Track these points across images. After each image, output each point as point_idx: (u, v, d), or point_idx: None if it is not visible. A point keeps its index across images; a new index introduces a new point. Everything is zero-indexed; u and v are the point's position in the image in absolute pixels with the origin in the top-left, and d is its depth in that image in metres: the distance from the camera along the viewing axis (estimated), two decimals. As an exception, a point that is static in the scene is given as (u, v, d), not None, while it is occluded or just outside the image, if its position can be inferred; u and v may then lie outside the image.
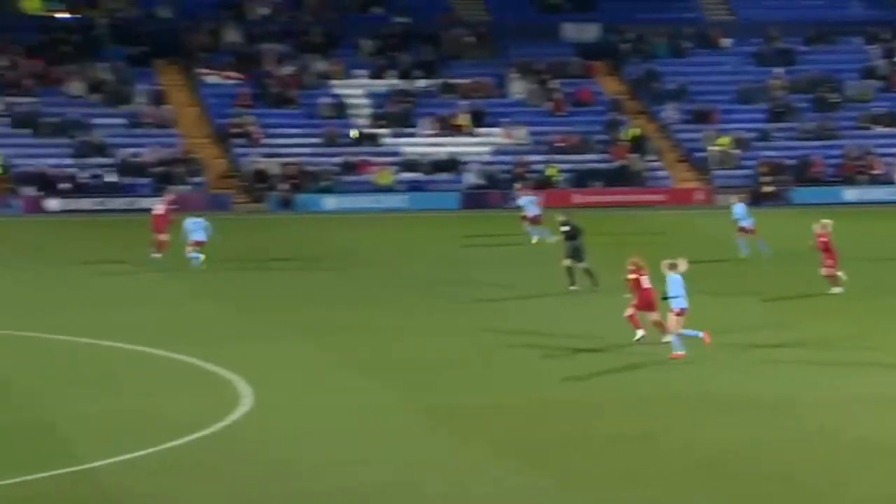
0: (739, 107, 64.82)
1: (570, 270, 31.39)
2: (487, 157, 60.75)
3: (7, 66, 59.75)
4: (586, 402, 20.84)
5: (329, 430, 19.14)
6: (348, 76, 63.50)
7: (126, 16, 64.51)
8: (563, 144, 61.47)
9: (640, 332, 24.58)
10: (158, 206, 38.83)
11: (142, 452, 17.61)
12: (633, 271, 24.59)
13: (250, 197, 56.69)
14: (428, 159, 59.63)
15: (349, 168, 58.43)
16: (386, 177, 58.16)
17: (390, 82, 63.41)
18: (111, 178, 55.69)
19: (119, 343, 25.09)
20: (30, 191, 54.49)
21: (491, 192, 57.70)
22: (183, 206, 51.96)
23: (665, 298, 23.64)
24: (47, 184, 54.72)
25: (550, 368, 23.23)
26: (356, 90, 63.07)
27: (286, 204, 55.94)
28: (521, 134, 61.89)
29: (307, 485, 16.42)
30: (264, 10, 66.07)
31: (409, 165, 59.29)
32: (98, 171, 55.87)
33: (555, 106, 63.71)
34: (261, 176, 57.25)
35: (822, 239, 31.60)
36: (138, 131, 58.83)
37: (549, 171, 59.59)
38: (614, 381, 22.37)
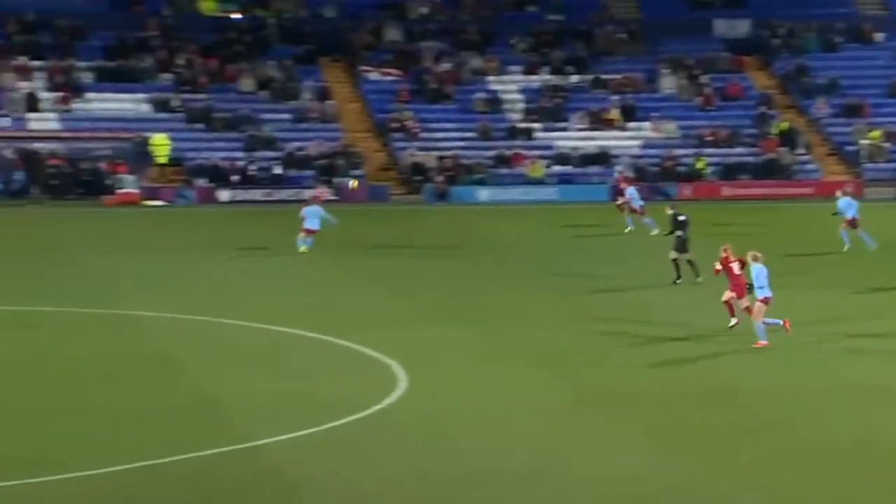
0: (891, 101, 63.08)
1: (676, 263, 31.08)
2: (637, 151, 60.35)
3: (183, 64, 61.42)
4: (721, 391, 20.66)
5: (481, 414, 19.27)
6: (503, 72, 63.70)
7: (294, 16, 65.73)
8: (711, 138, 60.73)
9: (734, 320, 24.64)
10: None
11: (304, 432, 17.99)
12: (724, 259, 24.57)
13: (407, 189, 57.34)
14: (579, 153, 59.50)
15: (502, 161, 58.65)
16: (538, 170, 58.21)
17: (543, 78, 63.41)
18: (277, 170, 56.88)
19: (283, 327, 25.68)
20: (203, 182, 55.98)
21: (640, 185, 57.23)
22: (344, 198, 52.99)
23: (750, 286, 23.70)
24: (219, 175, 56.14)
25: (684, 358, 23.08)
26: (510, 86, 63.24)
27: (441, 196, 56.39)
28: (671, 128, 61.33)
29: (459, 467, 16.60)
30: (423, 10, 66.64)
31: (561, 159, 59.24)
32: (266, 164, 57.12)
33: (704, 100, 62.93)
34: (418, 168, 57.83)
35: None
36: (303, 126, 59.96)
37: (698, 164, 59.04)
38: (744, 371, 22.17)
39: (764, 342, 23.49)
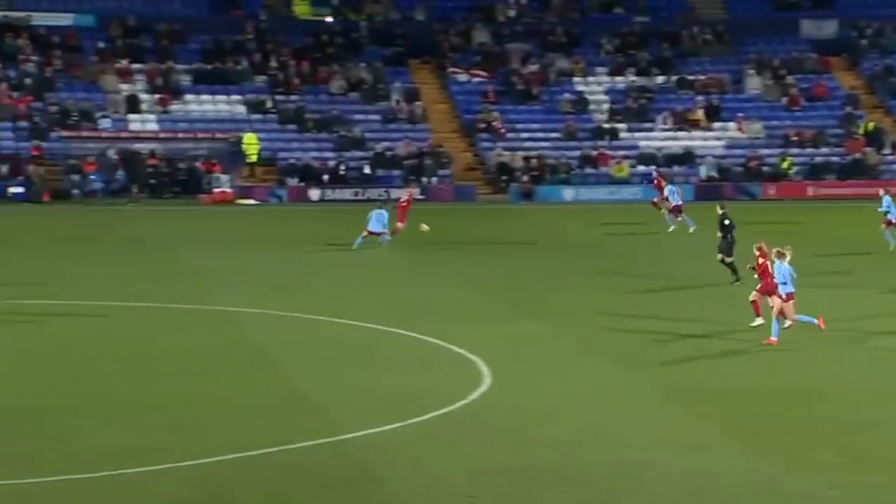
0: (979, 101, 61.70)
1: (731, 266, 30.60)
2: (721, 151, 59.75)
3: (277, 67, 61.97)
4: (805, 389, 20.44)
5: (565, 409, 19.22)
6: (589, 73, 63.41)
7: (385, 19, 65.97)
8: (796, 138, 59.91)
9: (759, 320, 24.36)
10: (403, 197, 40.12)
11: (392, 426, 18.08)
12: (758, 256, 24.27)
13: (493, 188, 57.31)
14: (663, 153, 59.04)
15: (588, 161, 58.40)
16: (623, 170, 57.88)
17: (629, 79, 62.98)
18: (367, 169, 57.16)
19: (372, 324, 25.82)
20: (294, 181, 56.47)
21: (724, 185, 56.83)
22: (431, 197, 53.11)
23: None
24: (310, 175, 56.58)
25: (767, 356, 22.88)
26: (596, 87, 62.92)
27: (527, 195, 56.27)
28: (756, 128, 60.61)
29: (543, 461, 16.56)
30: (511, 12, 66.55)
31: (645, 159, 58.82)
32: (355, 164, 57.44)
33: (790, 101, 62.08)
34: (504, 168, 57.77)
35: None
36: (392, 126, 60.21)
37: (784, 164, 58.34)
38: (827, 370, 22.00)
39: (774, 339, 23.34)
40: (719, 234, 31.27)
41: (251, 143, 56.78)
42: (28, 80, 58.74)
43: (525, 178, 56.98)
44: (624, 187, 56.93)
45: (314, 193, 55.54)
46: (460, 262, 35.46)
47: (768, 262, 24.22)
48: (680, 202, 42.73)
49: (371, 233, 37.30)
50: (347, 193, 55.50)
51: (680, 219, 42.70)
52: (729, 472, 16.15)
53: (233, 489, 15.45)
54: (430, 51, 64.14)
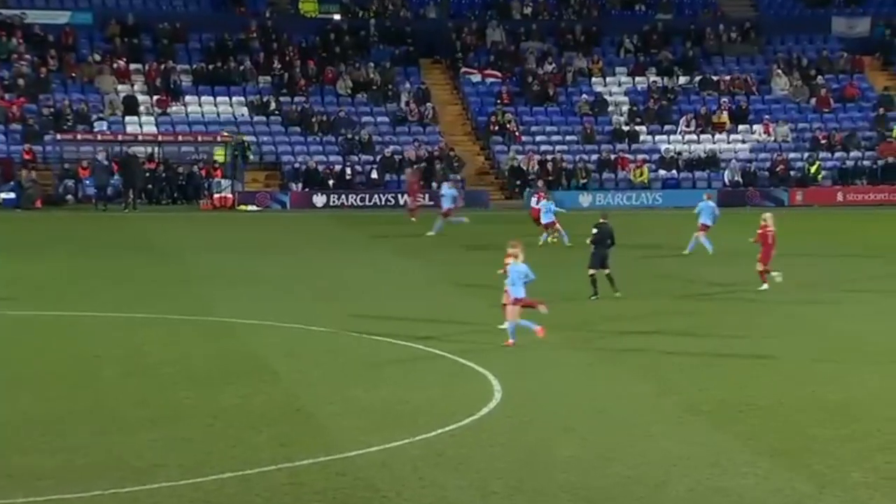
0: None
1: (593, 279, 30.22)
2: (746, 155, 59.65)
3: (281, 66, 62.04)
4: (834, 405, 20.35)
5: (578, 425, 19.17)
6: (608, 73, 63.38)
7: (395, 17, 66.02)
8: (825, 141, 59.79)
9: (508, 323, 24.55)
10: (533, 199, 42.15)
11: (397, 443, 18.03)
12: (509, 255, 24.24)
13: (507, 193, 57.26)
14: (686, 157, 58.97)
15: (606, 165, 58.35)
16: (643, 174, 57.84)
17: (650, 79, 62.93)
18: (374, 174, 57.15)
19: (376, 336, 25.79)
20: (299, 186, 56.49)
21: (749, 190, 56.74)
22: (439, 204, 53.00)
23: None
24: (315, 180, 56.61)
25: (793, 371, 22.84)
26: (615, 87, 62.89)
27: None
28: (783, 131, 60.52)
29: (555, 478, 16.52)
30: (527, 10, 66.57)
31: (667, 163, 58.75)
32: (362, 168, 57.45)
33: (819, 102, 61.97)
34: (518, 172, 57.73)
35: (759, 231, 30.89)
36: (401, 129, 60.24)
37: (812, 169, 58.22)
38: (859, 385, 21.89)
39: (511, 341, 23.77)
40: (589, 241, 30.71)
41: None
42: (21, 81, 58.92)
43: (540, 182, 56.95)
44: (643, 192, 56.88)
45: (319, 199, 55.57)
46: (469, 271, 35.42)
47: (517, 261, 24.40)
48: (451, 206, 44.18)
49: (547, 225, 40.15)
50: (354, 199, 55.52)
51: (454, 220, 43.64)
52: (754, 490, 16.08)
53: (230, 509, 15.43)
54: (441, 50, 64.20)
